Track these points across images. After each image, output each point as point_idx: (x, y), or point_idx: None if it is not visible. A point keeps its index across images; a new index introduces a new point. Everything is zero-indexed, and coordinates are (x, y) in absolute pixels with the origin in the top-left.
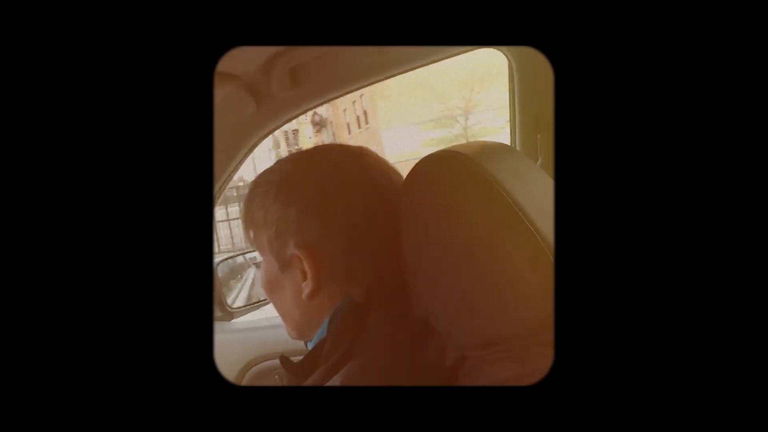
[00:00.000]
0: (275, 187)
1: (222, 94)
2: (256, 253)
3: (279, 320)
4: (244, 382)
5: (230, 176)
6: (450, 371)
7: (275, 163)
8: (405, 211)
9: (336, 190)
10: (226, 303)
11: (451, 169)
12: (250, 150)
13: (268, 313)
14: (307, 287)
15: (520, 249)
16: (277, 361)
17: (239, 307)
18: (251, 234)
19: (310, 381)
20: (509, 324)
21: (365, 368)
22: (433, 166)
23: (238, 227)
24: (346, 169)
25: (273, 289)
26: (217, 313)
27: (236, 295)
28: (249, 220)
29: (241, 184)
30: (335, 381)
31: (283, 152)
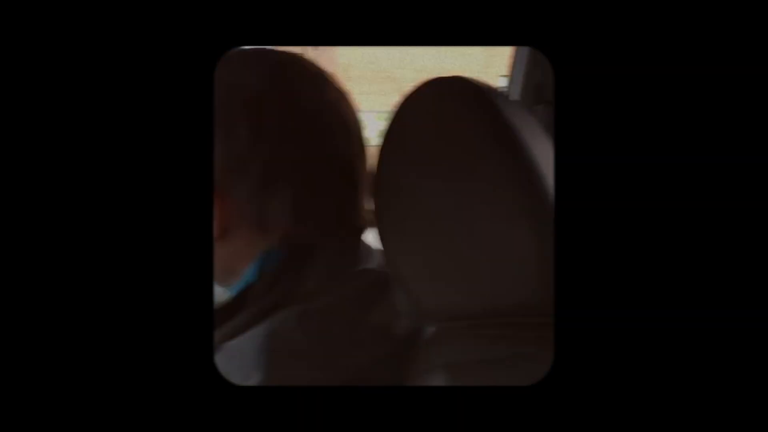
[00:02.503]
0: None
1: None
2: None
3: None
4: None
5: None
6: (401, 340)
7: None
8: (391, 141)
9: (244, 111)
10: None
11: (464, 99)
12: None
13: None
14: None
15: (526, 211)
16: None
17: None
18: None
19: (231, 324)
20: (495, 298)
21: (301, 319)
22: (441, 91)
23: None
24: (265, 82)
25: None
26: None
27: None
28: None
29: None
30: (264, 327)
31: None
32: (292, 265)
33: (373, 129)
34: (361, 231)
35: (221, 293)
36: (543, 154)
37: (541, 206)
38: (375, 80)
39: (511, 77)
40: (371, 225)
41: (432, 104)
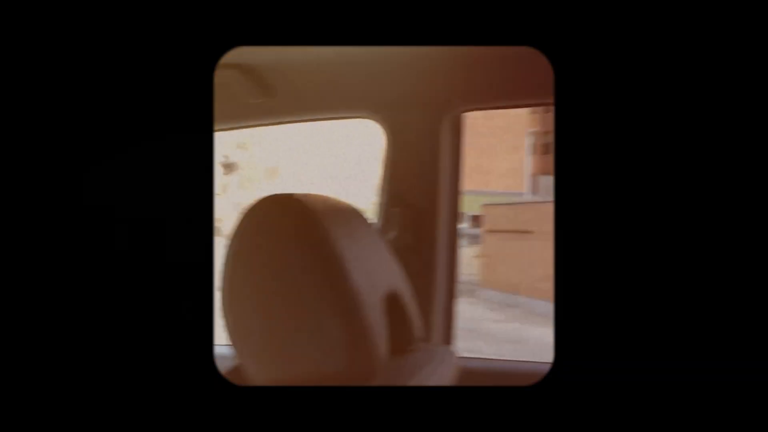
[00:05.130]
0: None
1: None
2: None
3: None
4: None
5: None
6: None
7: None
8: (232, 250)
9: None
10: None
11: (286, 213)
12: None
13: None
14: None
15: (328, 302)
16: None
17: None
18: None
19: None
20: (304, 369)
21: None
22: (269, 208)
23: None
24: None
25: None
26: None
27: None
28: None
29: None
30: None
31: None
32: None
33: None
34: None
35: None
36: (370, 261)
37: (349, 303)
38: None
39: None
40: None
41: (264, 221)
